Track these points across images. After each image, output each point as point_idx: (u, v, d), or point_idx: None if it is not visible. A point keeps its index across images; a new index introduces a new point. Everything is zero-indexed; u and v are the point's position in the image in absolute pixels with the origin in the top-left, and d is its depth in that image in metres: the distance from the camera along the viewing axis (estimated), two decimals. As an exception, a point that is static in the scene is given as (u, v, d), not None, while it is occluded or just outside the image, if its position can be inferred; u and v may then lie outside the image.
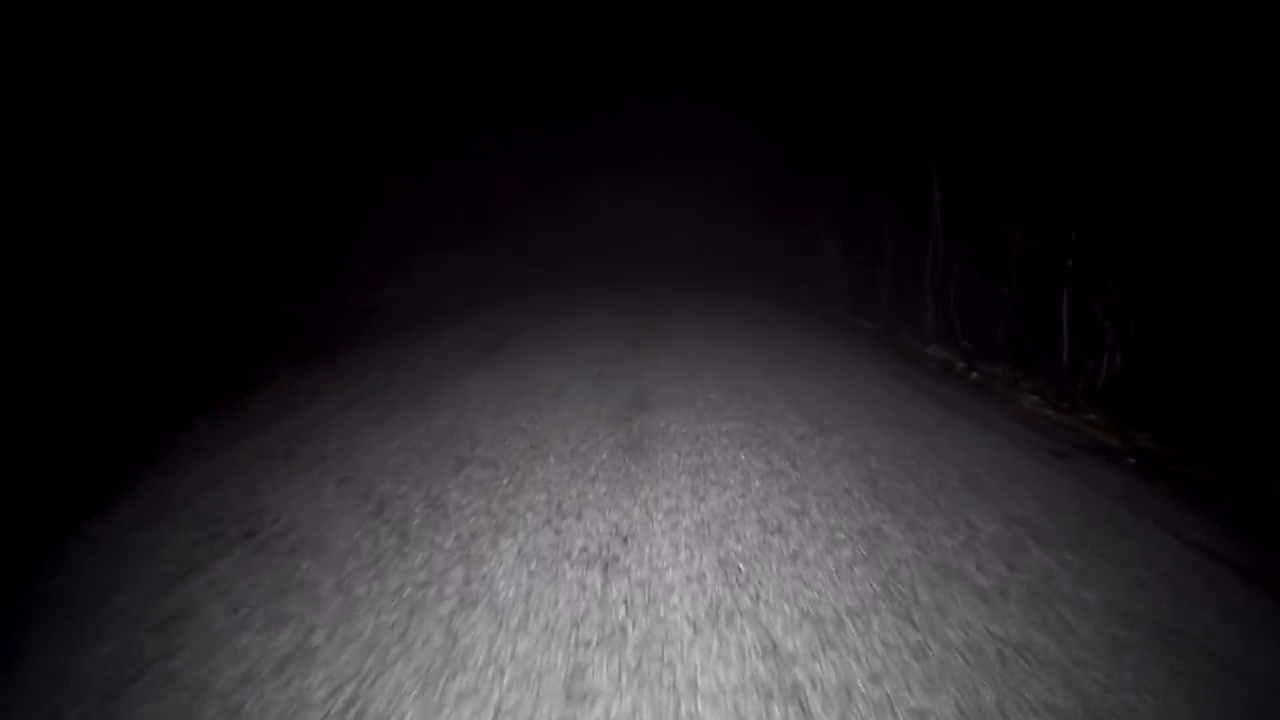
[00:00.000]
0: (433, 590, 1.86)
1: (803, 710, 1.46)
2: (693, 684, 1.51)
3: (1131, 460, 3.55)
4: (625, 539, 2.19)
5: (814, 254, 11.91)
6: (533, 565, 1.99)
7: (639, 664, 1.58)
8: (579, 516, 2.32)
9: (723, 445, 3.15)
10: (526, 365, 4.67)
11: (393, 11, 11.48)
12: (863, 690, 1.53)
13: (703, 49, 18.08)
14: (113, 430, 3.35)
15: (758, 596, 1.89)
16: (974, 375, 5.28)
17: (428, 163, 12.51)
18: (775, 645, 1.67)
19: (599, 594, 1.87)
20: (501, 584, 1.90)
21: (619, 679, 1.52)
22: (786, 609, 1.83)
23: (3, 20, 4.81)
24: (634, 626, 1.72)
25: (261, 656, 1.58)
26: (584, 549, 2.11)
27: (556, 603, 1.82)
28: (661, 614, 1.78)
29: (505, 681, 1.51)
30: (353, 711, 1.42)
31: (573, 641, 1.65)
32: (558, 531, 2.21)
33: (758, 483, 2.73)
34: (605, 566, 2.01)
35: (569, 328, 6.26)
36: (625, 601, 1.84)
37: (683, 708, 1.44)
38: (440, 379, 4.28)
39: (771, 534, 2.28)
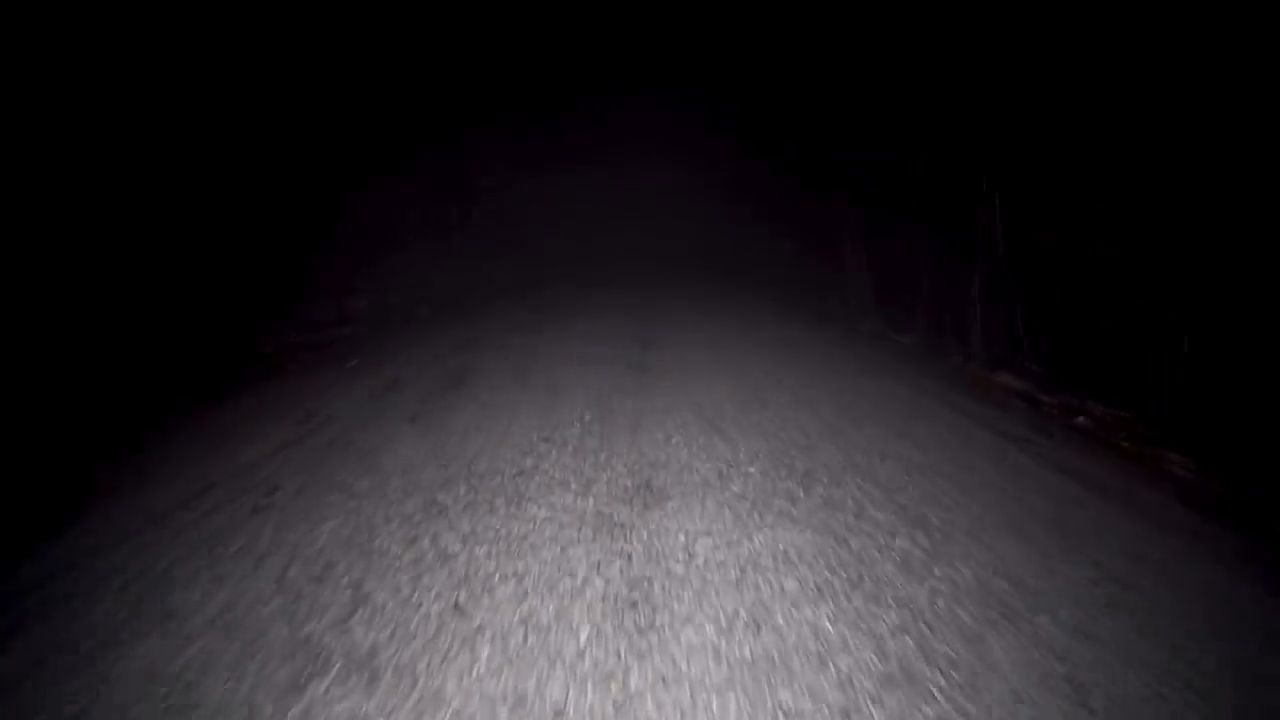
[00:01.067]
0: None
1: None
2: None
3: None
4: None
5: (830, 258, 10.53)
6: None
7: None
8: None
9: (787, 594, 1.78)
10: (490, 413, 3.30)
11: (380, 4, 10.13)
12: None
13: (705, 45, 16.70)
14: None
15: None
16: (1080, 420, 3.90)
17: (417, 158, 11.19)
18: None
19: None
20: None
21: None
22: None
23: None
24: None
25: None
26: None
27: None
28: None
29: None
30: None
31: None
32: None
33: (876, 715, 1.37)
34: None
35: (555, 347, 4.88)
36: None
37: None
38: (359, 443, 2.90)
39: None
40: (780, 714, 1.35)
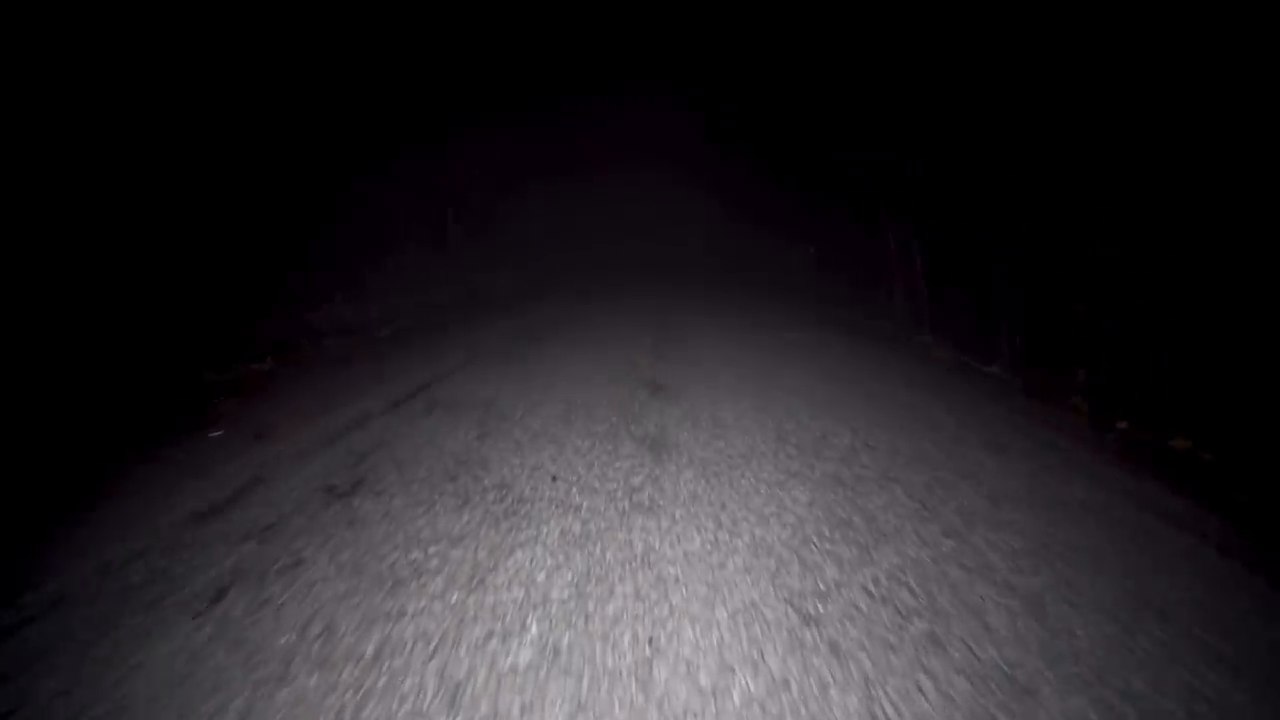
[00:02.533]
0: None
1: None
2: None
3: None
4: None
5: (861, 265, 8.76)
6: None
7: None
8: None
9: None
10: (376, 579, 1.63)
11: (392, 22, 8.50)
12: None
13: (711, 42, 14.89)
14: None
15: None
16: None
17: (407, 158, 9.58)
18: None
19: None
20: None
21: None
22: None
23: None
24: None
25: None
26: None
27: None
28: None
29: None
30: None
31: None
32: None
33: None
34: None
35: (535, 406, 3.22)
36: None
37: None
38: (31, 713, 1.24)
39: None
40: None
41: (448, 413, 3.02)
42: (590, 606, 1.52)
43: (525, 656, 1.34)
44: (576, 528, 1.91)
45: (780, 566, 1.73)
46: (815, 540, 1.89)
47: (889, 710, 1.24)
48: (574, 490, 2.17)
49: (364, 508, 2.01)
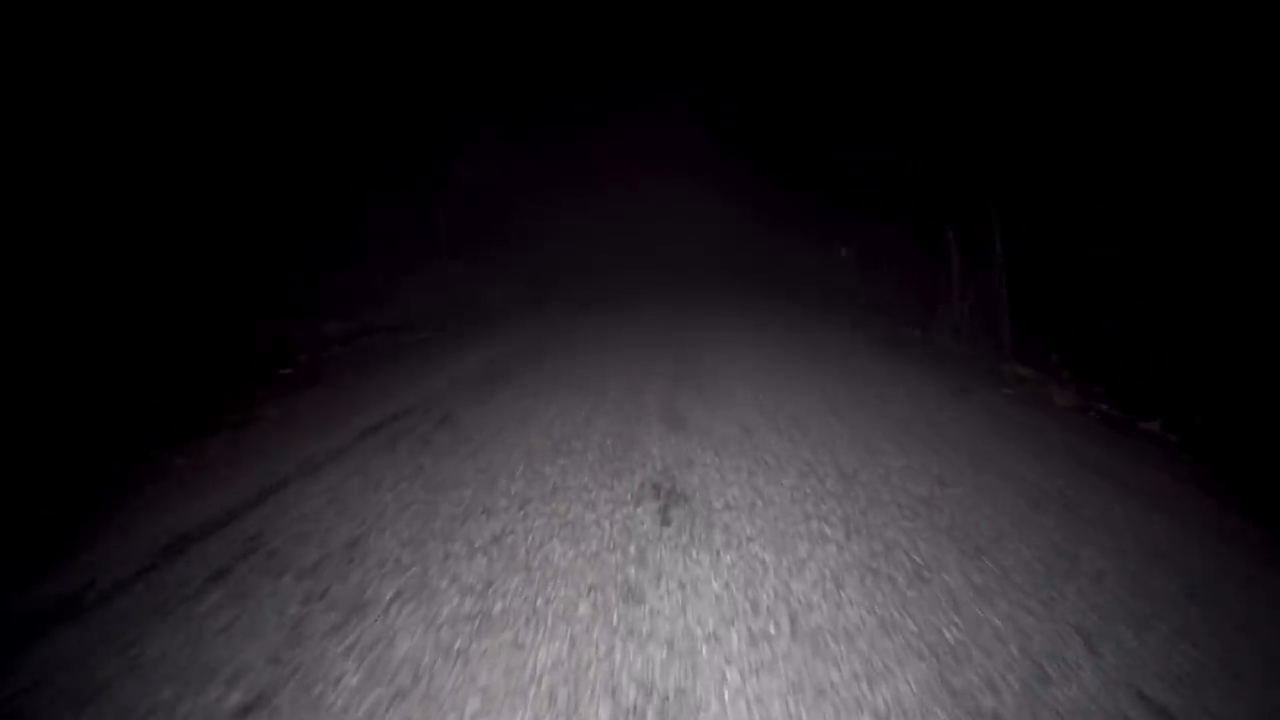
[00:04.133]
0: None
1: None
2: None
3: None
4: None
5: (909, 270, 7.08)
6: None
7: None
8: None
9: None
10: None
11: (378, 8, 7.10)
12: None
13: (714, 41, 13.25)
14: None
15: None
16: None
17: (415, 166, 8.19)
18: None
19: None
20: None
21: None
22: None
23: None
24: None
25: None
26: None
27: None
28: None
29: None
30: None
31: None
32: None
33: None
34: None
35: (418, 569, 1.68)
36: None
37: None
38: None
39: None
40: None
41: (238, 592, 1.44)
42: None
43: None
44: None
45: None
46: None
47: None
48: None
49: None
